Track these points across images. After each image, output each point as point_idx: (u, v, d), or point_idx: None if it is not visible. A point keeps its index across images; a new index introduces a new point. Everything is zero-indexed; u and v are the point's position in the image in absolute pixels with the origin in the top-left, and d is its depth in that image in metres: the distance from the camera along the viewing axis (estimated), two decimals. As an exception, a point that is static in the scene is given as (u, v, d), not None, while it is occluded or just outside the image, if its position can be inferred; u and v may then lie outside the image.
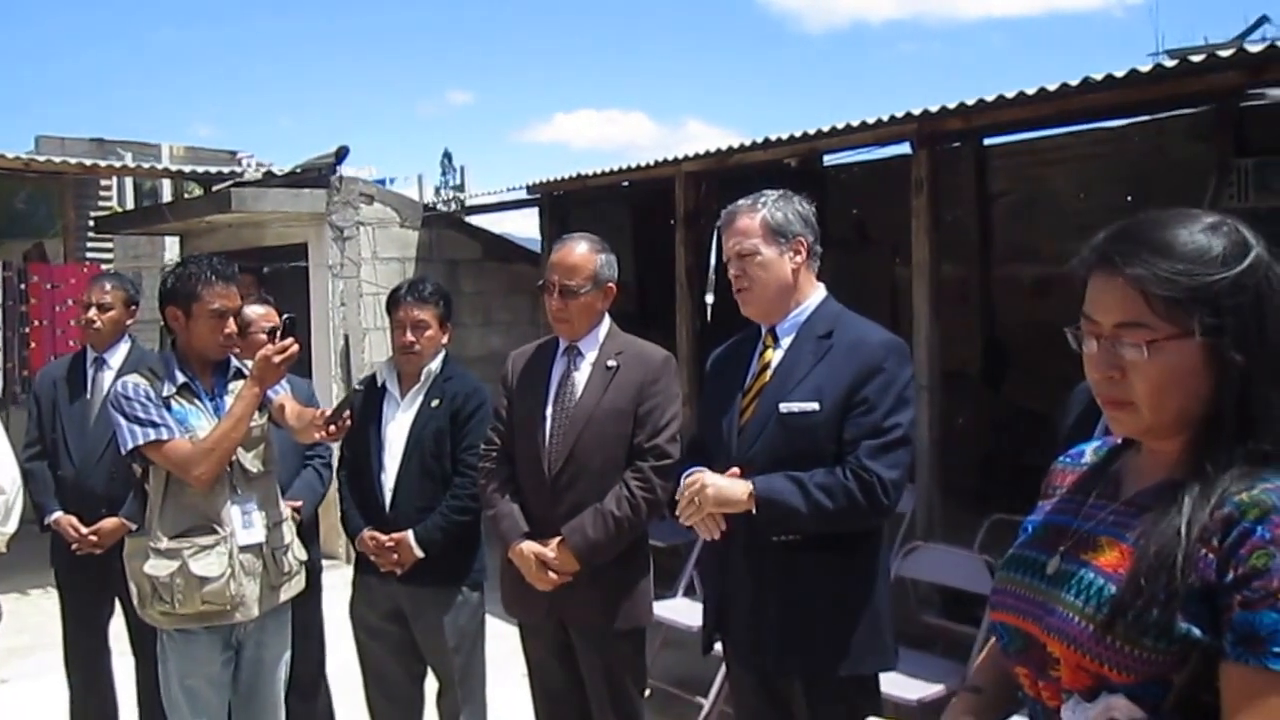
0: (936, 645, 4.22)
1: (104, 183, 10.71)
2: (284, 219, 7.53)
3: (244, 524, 2.94)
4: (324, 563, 4.00)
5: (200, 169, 8.88)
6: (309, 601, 3.49)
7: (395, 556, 3.26)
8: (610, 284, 3.02)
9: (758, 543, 2.46)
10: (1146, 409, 1.24)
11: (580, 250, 2.99)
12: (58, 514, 3.83)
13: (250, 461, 2.99)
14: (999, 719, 1.48)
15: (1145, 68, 4.28)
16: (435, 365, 3.38)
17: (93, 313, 3.98)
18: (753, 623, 2.51)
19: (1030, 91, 4.57)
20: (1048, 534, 1.38)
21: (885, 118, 5.22)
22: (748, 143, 6.03)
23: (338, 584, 3.87)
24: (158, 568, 2.85)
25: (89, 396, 3.98)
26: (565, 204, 7.77)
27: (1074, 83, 4.40)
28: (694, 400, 5.42)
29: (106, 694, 4.02)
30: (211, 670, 2.95)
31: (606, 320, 3.06)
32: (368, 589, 3.41)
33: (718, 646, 2.73)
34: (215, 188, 8.37)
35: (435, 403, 3.33)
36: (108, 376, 3.92)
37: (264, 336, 3.36)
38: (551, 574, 2.88)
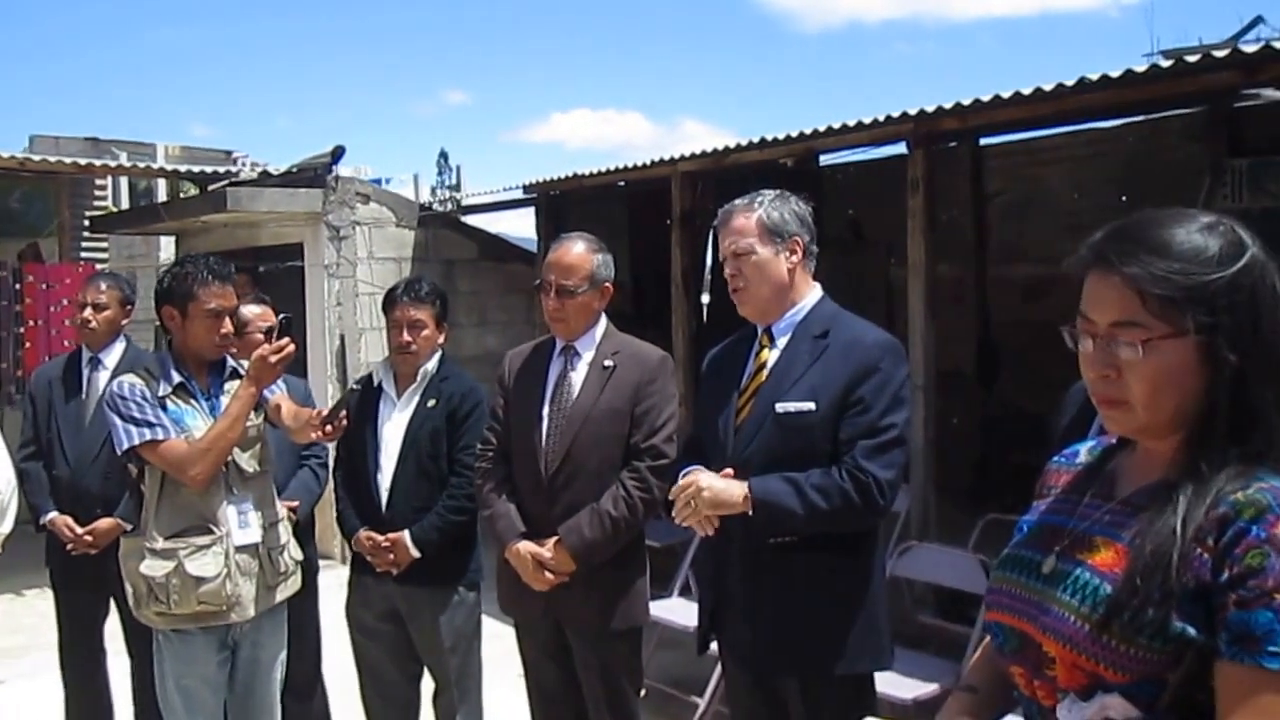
0: (931, 644, 4.23)
1: (99, 182, 10.69)
2: (280, 219, 7.52)
3: (240, 524, 2.94)
4: (320, 563, 3.99)
5: (195, 169, 8.87)
6: (305, 602, 3.49)
7: (391, 556, 3.25)
8: (607, 284, 3.02)
9: (753, 543, 2.46)
10: (1141, 408, 1.25)
11: (577, 250, 2.99)
12: (53, 514, 3.82)
13: (246, 461, 2.99)
14: (994, 718, 1.49)
15: (1140, 68, 4.30)
16: (431, 365, 3.38)
17: (88, 312, 3.97)
18: (748, 622, 2.51)
19: (1026, 91, 4.58)
20: (1043, 534, 1.38)
21: (881, 118, 5.23)
22: (744, 142, 6.03)
23: (333, 584, 3.87)
24: (153, 568, 2.84)
25: (84, 396, 3.96)
26: (561, 204, 7.77)
27: (1070, 83, 4.41)
28: (690, 400, 5.43)
29: (102, 695, 4.01)
30: (207, 670, 2.95)
31: (603, 320, 3.06)
32: (364, 589, 3.41)
33: (713, 646, 2.73)
34: (211, 187, 8.36)
35: (431, 403, 3.33)
36: (103, 376, 3.91)
37: (260, 336, 3.35)
38: (548, 574, 2.88)
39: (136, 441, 2.84)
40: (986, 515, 4.91)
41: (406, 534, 3.24)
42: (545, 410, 2.96)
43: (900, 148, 5.52)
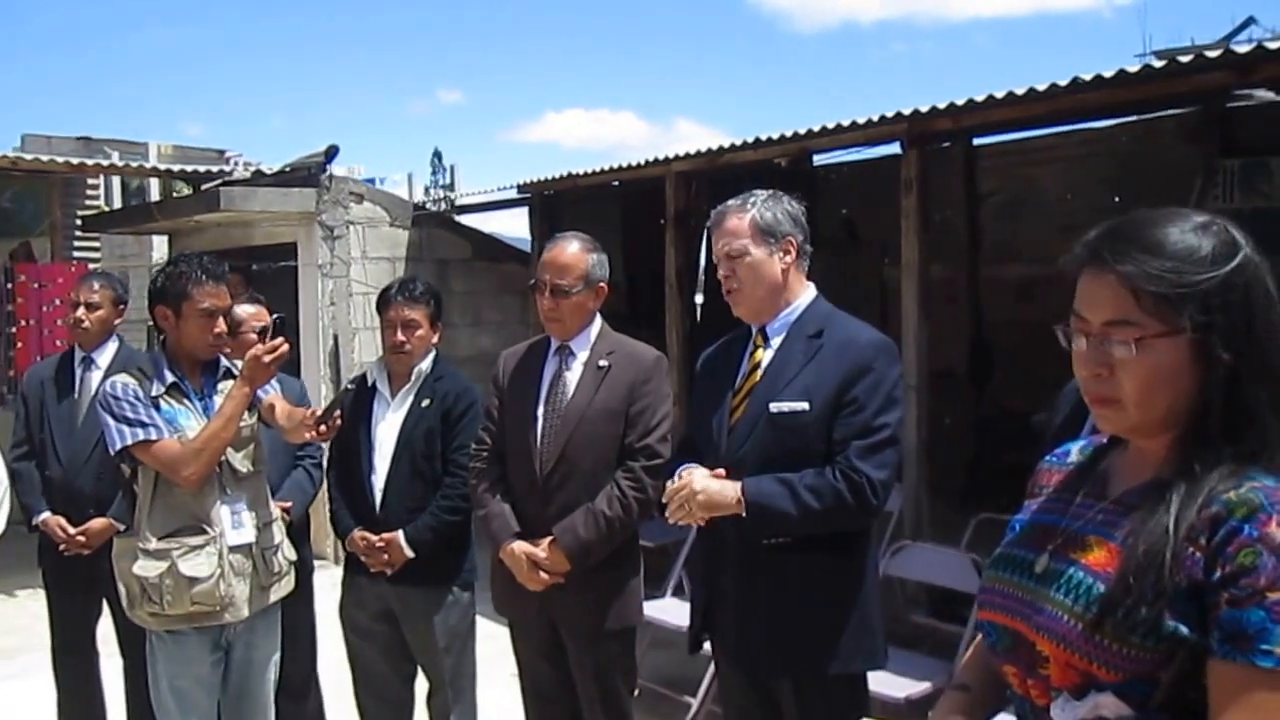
0: (924, 644, 4.24)
1: (91, 181, 10.66)
2: (273, 218, 7.50)
3: (234, 524, 2.93)
4: (314, 563, 3.99)
5: (188, 168, 8.85)
6: (300, 602, 3.48)
7: (385, 557, 3.25)
8: (602, 284, 3.02)
9: (747, 543, 2.46)
10: (1134, 407, 1.25)
11: (572, 250, 2.99)
12: (45, 514, 3.81)
13: (240, 461, 2.98)
14: (987, 717, 1.49)
15: (1133, 68, 4.31)
16: (426, 365, 3.38)
17: (81, 312, 3.96)
18: (742, 622, 2.51)
19: (1019, 92, 4.59)
20: (1035, 533, 1.38)
21: (875, 118, 5.24)
22: (738, 142, 6.04)
23: (326, 585, 3.86)
24: (146, 568, 2.83)
25: (77, 396, 3.96)
26: (555, 203, 7.77)
27: (1063, 83, 4.42)
28: (684, 400, 5.43)
29: (94, 695, 4.00)
30: (201, 671, 2.94)
31: (598, 320, 3.06)
32: (358, 589, 3.40)
33: (705, 646, 2.73)
34: (204, 187, 8.34)
35: (426, 402, 3.32)
36: (95, 376, 3.90)
37: (254, 336, 3.35)
38: (543, 574, 2.88)
39: (129, 441, 2.83)
40: (979, 515, 4.92)
41: (401, 534, 3.24)
42: (540, 410, 2.96)
43: (894, 148, 5.53)
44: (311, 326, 7.42)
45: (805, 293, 2.60)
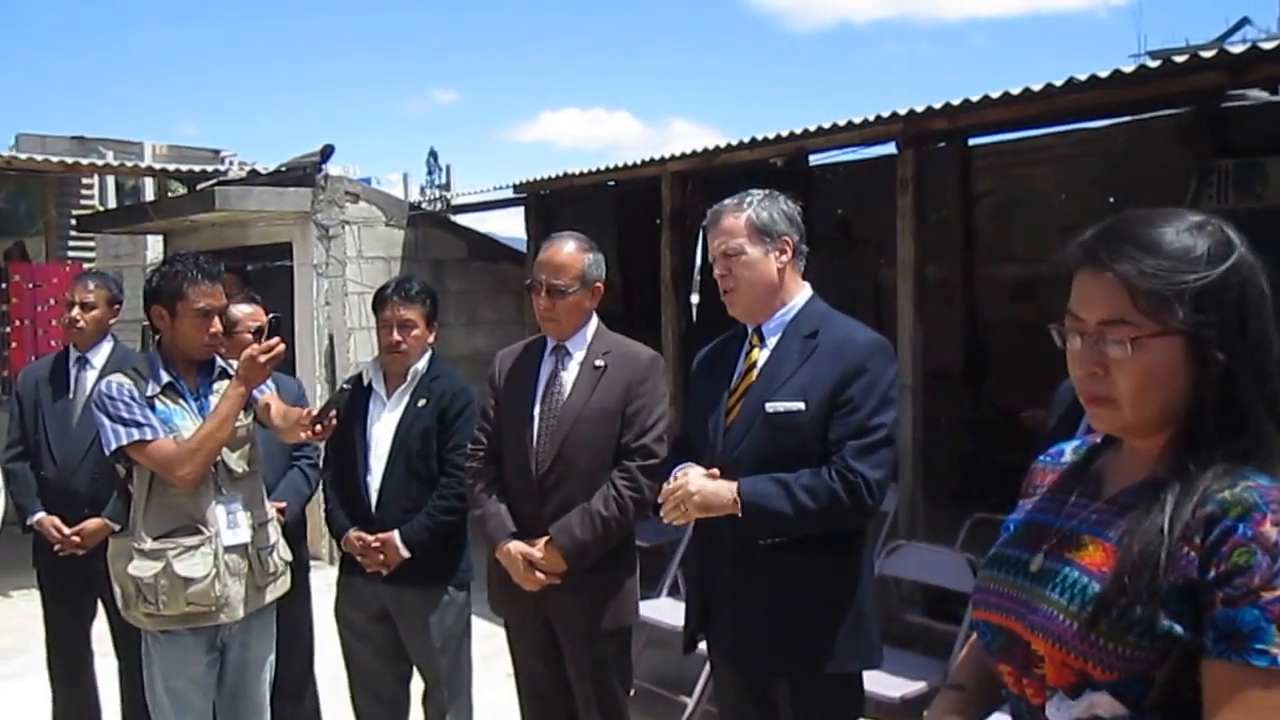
0: (919, 643, 4.24)
1: (86, 181, 10.66)
2: (269, 218, 7.49)
3: (229, 524, 2.92)
4: (310, 563, 3.98)
5: (183, 168, 8.84)
6: (297, 602, 3.48)
7: (381, 557, 3.25)
8: (598, 283, 3.02)
9: (742, 542, 2.46)
10: (1128, 406, 1.25)
11: (568, 249, 2.99)
12: (40, 515, 3.80)
13: (235, 462, 2.98)
14: (982, 716, 1.49)
15: (1128, 68, 4.32)
16: (422, 365, 3.37)
17: (76, 311, 3.96)
18: (737, 622, 2.52)
19: (1015, 92, 4.60)
20: (1030, 532, 1.39)
21: (871, 118, 5.25)
22: (734, 142, 6.04)
23: (321, 585, 3.86)
24: (142, 569, 2.83)
25: (71, 396, 3.95)
26: (551, 203, 7.78)
27: (1058, 83, 4.43)
28: (679, 400, 5.43)
29: (89, 696, 3.99)
30: (196, 672, 2.93)
31: (594, 320, 3.06)
32: (353, 590, 3.40)
33: (701, 646, 2.73)
34: (199, 186, 8.33)
35: (422, 402, 3.32)
36: (90, 376, 3.89)
37: (250, 336, 3.34)
38: (539, 574, 2.88)
39: (125, 441, 2.83)
40: (974, 515, 4.93)
41: (396, 534, 3.24)
42: (536, 410, 2.96)
43: (890, 148, 5.54)
44: (307, 326, 7.41)
45: (801, 292, 2.60)
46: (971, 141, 7.26)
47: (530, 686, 3.11)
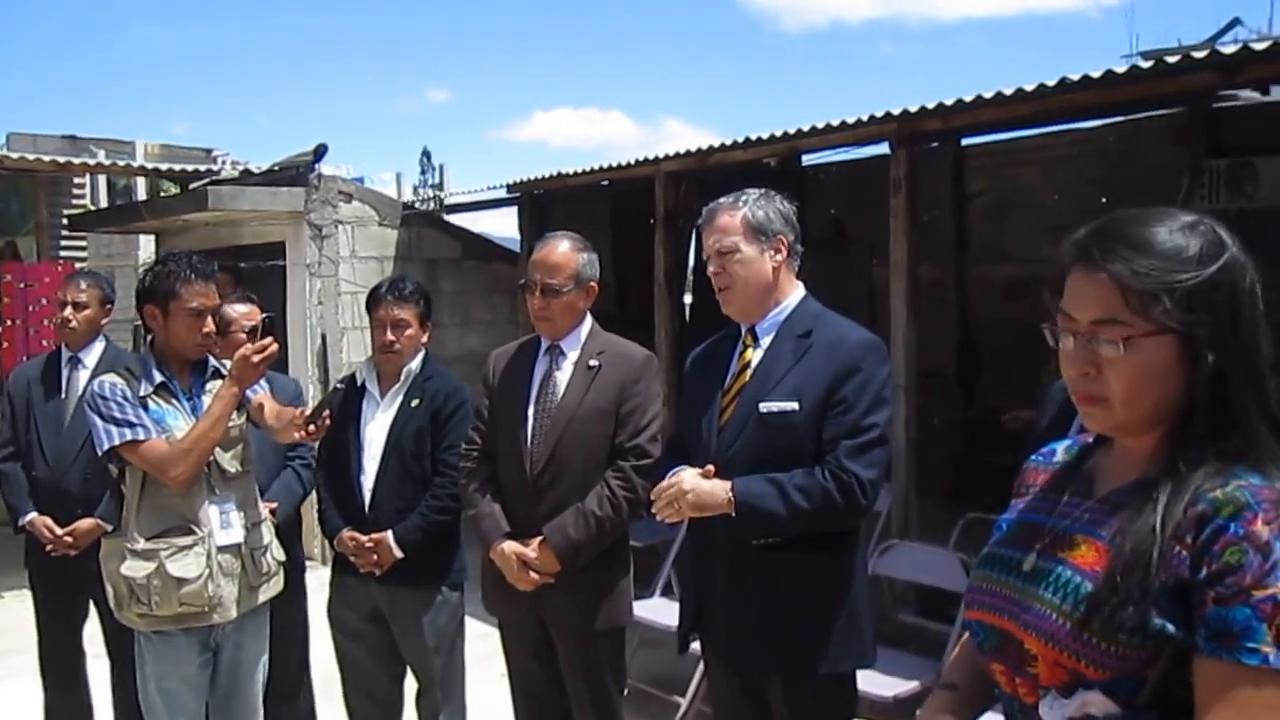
0: (912, 643, 4.25)
1: (77, 180, 10.62)
2: (262, 217, 7.48)
3: (222, 524, 2.92)
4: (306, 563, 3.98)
5: (175, 167, 8.82)
6: (292, 602, 3.48)
7: (375, 557, 3.24)
8: (592, 283, 3.02)
9: (736, 542, 2.46)
10: (1120, 405, 1.26)
11: (562, 249, 2.99)
12: (32, 515, 3.79)
13: (228, 462, 2.98)
14: (975, 715, 1.50)
15: (1121, 68, 4.33)
16: (415, 365, 3.37)
17: (68, 311, 3.95)
18: (731, 621, 2.52)
19: (1008, 92, 4.61)
20: (1022, 532, 1.39)
21: (865, 117, 5.25)
22: (728, 142, 6.05)
23: (313, 585, 3.86)
24: (134, 569, 2.82)
25: (64, 396, 3.94)
26: (544, 203, 7.77)
27: (1051, 83, 4.44)
28: (673, 400, 5.44)
29: (82, 697, 3.98)
30: (189, 672, 2.93)
31: (588, 319, 3.06)
32: (346, 590, 3.40)
33: (694, 645, 2.73)
34: (191, 186, 8.31)
35: (415, 402, 3.32)
36: (83, 376, 3.89)
37: (244, 336, 3.34)
38: (533, 574, 2.88)
39: (117, 441, 2.82)
40: (967, 514, 4.93)
41: (390, 534, 3.23)
42: (530, 410, 2.96)
43: (883, 148, 5.54)
44: (299, 326, 7.40)
45: (795, 292, 2.60)
46: (965, 141, 7.27)
47: (524, 686, 3.11)
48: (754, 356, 2.55)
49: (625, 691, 3.12)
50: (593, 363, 2.96)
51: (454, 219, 8.66)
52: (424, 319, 3.38)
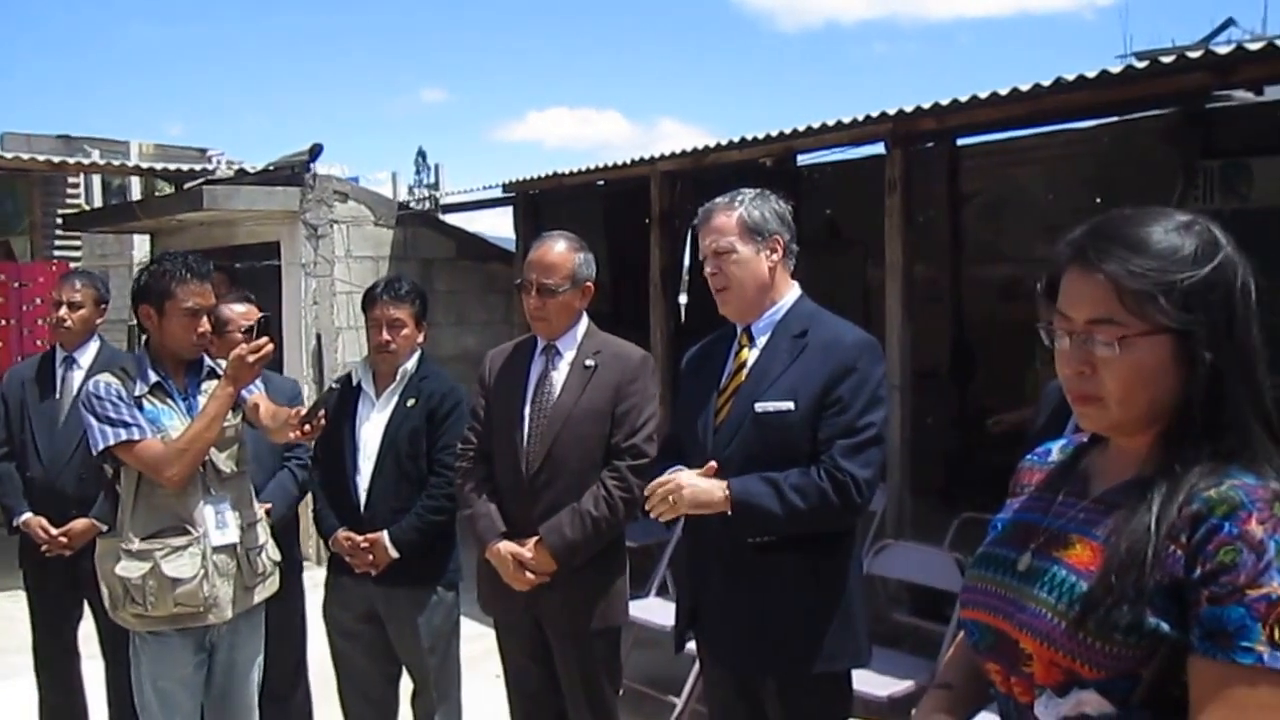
0: (906, 642, 4.26)
1: (71, 180, 10.60)
2: (257, 217, 7.47)
3: (217, 524, 2.91)
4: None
5: (170, 166, 8.80)
6: (289, 602, 3.48)
7: (370, 557, 3.24)
8: (588, 283, 3.02)
9: (732, 542, 2.47)
10: (1115, 405, 1.26)
11: (558, 249, 2.99)
12: (27, 515, 3.78)
13: (224, 462, 2.97)
14: (970, 714, 1.50)
15: (1116, 69, 4.33)
16: (411, 364, 3.37)
17: (63, 311, 3.94)
18: (727, 621, 2.52)
19: (1003, 92, 4.61)
20: (1017, 531, 1.39)
21: (860, 117, 5.26)
22: (723, 142, 6.05)
23: (308, 586, 3.85)
24: (129, 569, 2.82)
25: (58, 396, 3.93)
26: (540, 203, 7.77)
27: (1046, 83, 4.44)
28: (668, 400, 5.44)
29: (76, 697, 3.98)
30: (184, 673, 2.92)
31: (584, 319, 3.06)
32: (341, 590, 3.39)
33: (690, 645, 2.73)
34: (187, 185, 8.29)
35: (411, 402, 3.32)
36: (77, 376, 3.88)
37: (241, 335, 3.33)
38: (529, 574, 2.88)
39: (112, 442, 2.82)
40: (961, 514, 4.94)
41: (385, 534, 3.23)
42: (526, 410, 2.96)
43: (878, 148, 5.55)
44: (295, 326, 7.38)
45: (790, 292, 2.60)
46: (960, 142, 7.27)
47: (519, 686, 3.11)
48: (750, 356, 2.55)
49: (620, 691, 3.12)
50: (589, 363, 2.96)
51: (449, 219, 8.65)
52: (420, 319, 3.38)
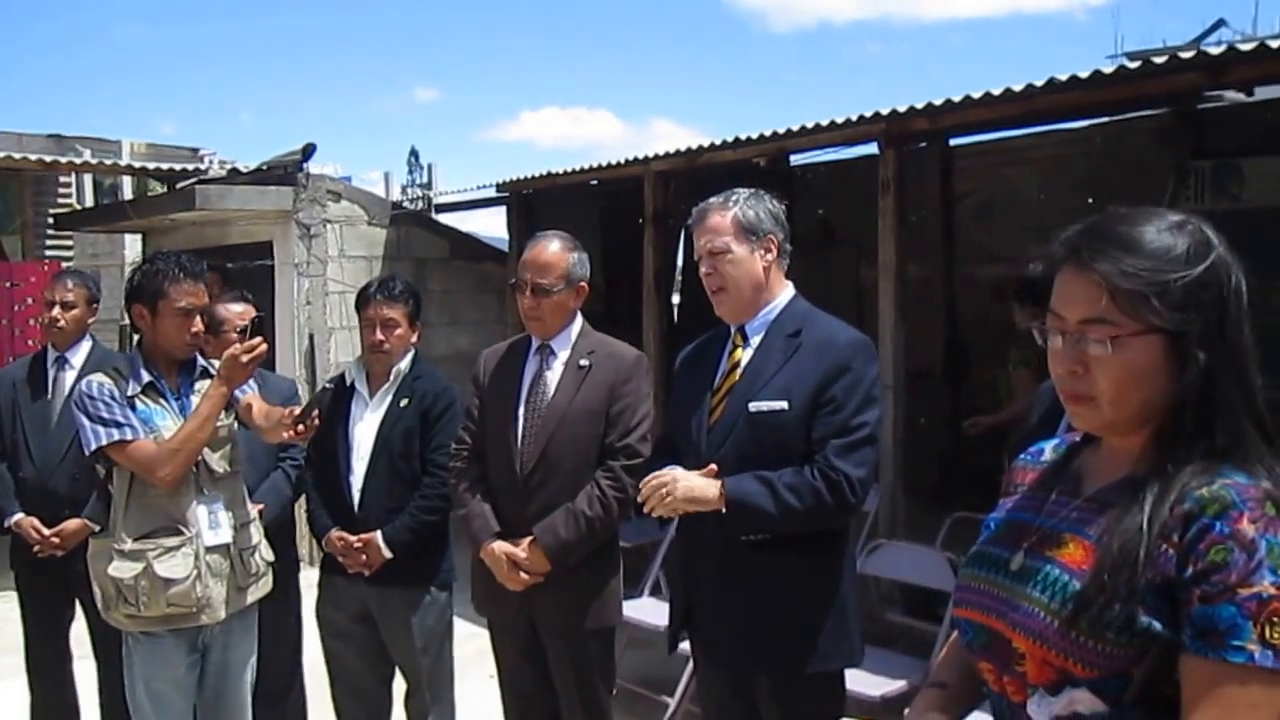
0: (899, 642, 4.26)
1: (63, 179, 10.57)
2: (249, 217, 7.45)
3: (210, 525, 2.91)
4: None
5: (162, 166, 8.78)
6: (285, 602, 3.47)
7: (364, 557, 3.24)
8: (582, 283, 3.02)
9: (725, 541, 2.47)
10: (1108, 404, 1.26)
11: (553, 248, 2.99)
12: (19, 515, 3.77)
13: (217, 462, 2.97)
14: (963, 714, 1.50)
15: (1108, 69, 4.35)
16: (404, 364, 3.37)
17: (56, 311, 3.92)
18: (720, 621, 2.52)
19: (996, 92, 4.63)
20: (1010, 531, 1.40)
21: (853, 118, 5.27)
22: (717, 142, 6.06)
23: (301, 586, 3.84)
24: (122, 570, 2.81)
25: (50, 396, 3.91)
26: (533, 203, 7.77)
27: (1039, 83, 4.46)
28: (661, 400, 5.44)
29: (68, 698, 3.96)
30: (177, 673, 2.92)
31: (579, 319, 3.06)
32: (334, 590, 3.39)
33: (683, 645, 2.74)
34: (179, 185, 8.28)
35: (404, 402, 3.31)
36: (69, 376, 3.87)
37: (236, 335, 3.33)
38: (523, 574, 2.88)
39: (104, 442, 2.81)
40: (954, 514, 4.95)
41: (379, 534, 3.23)
42: (520, 410, 2.96)
43: (871, 148, 5.56)
44: (287, 326, 7.37)
45: (784, 292, 2.61)
46: (952, 142, 7.29)
47: (513, 686, 3.11)
48: (744, 356, 2.56)
49: (614, 691, 3.12)
50: (583, 362, 2.96)
51: (443, 218, 8.65)
52: (413, 318, 3.38)
